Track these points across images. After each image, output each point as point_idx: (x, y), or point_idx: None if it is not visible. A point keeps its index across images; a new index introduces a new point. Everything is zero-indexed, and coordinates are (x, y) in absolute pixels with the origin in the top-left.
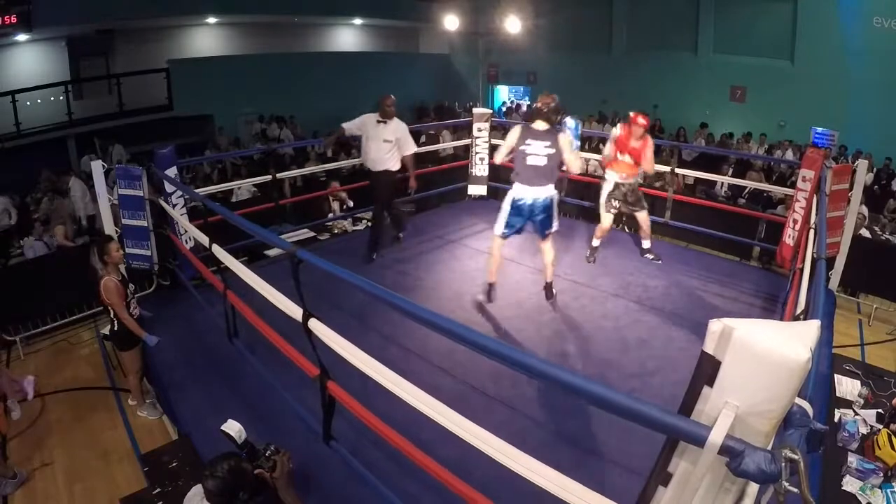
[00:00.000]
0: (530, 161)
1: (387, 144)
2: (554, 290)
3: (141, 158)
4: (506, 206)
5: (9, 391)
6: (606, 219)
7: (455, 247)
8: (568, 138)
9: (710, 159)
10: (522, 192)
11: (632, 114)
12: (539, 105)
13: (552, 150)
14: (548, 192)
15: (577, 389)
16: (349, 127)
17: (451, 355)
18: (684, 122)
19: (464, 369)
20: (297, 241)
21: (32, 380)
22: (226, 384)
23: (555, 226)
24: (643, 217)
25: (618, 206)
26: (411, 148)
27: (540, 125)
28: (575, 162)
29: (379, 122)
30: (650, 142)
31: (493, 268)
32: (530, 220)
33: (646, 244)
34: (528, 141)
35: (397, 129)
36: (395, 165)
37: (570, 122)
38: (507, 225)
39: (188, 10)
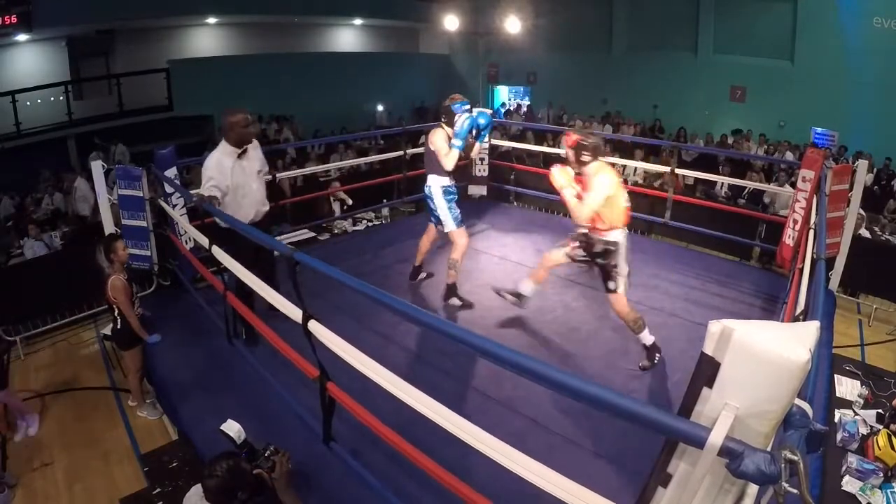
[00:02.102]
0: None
1: (262, 177)
2: (456, 298)
3: (141, 159)
4: None
5: (18, 409)
6: (554, 254)
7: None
8: (441, 134)
9: (710, 160)
10: None
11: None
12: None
13: (427, 143)
14: (428, 181)
15: (576, 391)
16: (220, 185)
17: (450, 356)
18: (684, 122)
19: (463, 370)
20: (296, 241)
21: (37, 417)
22: (226, 384)
23: (447, 225)
24: (614, 302)
25: (577, 255)
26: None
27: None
28: (444, 159)
29: (240, 155)
30: (597, 182)
31: (418, 251)
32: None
33: (644, 337)
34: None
35: (259, 151)
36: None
37: (459, 119)
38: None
39: (188, 10)
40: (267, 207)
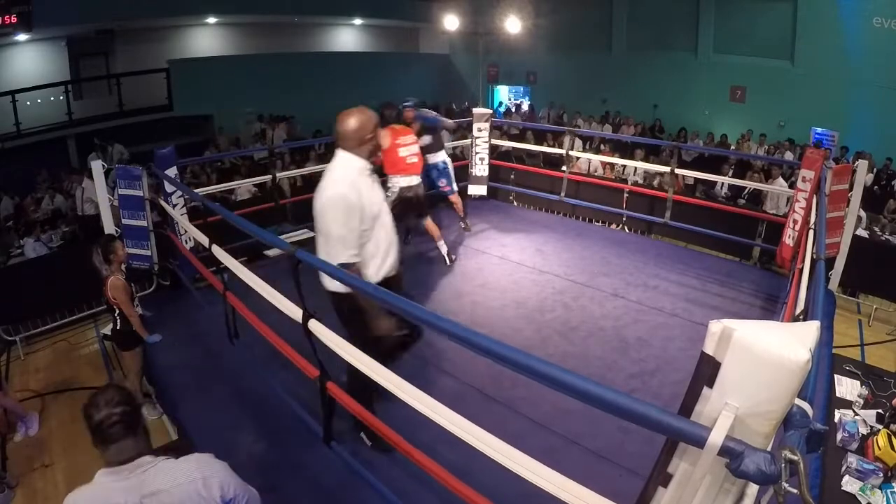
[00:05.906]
0: None
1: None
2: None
3: (141, 158)
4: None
5: (15, 411)
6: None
7: (455, 246)
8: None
9: (710, 160)
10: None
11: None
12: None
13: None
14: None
15: (576, 390)
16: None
17: (450, 355)
18: (684, 122)
19: (463, 370)
20: (296, 241)
21: (37, 417)
22: (226, 384)
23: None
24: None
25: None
26: None
27: None
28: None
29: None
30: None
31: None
32: None
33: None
34: None
35: None
36: None
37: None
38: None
39: (188, 10)
40: None
